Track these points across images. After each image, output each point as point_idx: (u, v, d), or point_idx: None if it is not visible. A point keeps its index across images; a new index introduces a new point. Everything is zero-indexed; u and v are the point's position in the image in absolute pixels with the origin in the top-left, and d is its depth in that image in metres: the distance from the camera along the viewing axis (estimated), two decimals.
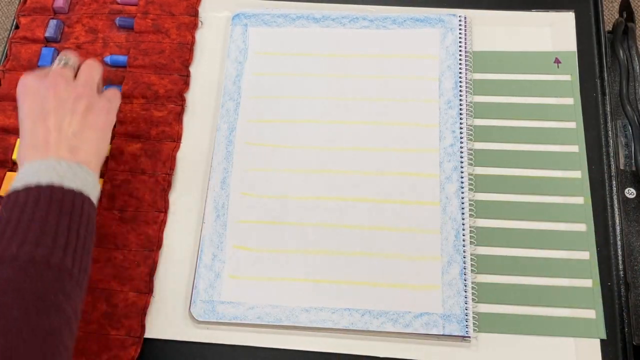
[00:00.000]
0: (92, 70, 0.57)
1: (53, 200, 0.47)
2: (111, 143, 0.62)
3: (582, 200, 0.60)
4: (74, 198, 0.48)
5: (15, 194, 0.48)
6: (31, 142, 0.51)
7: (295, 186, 0.61)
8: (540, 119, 0.63)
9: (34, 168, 0.49)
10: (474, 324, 0.55)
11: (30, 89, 0.53)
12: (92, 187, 0.51)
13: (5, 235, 0.45)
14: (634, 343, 0.55)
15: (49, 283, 0.44)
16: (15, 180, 0.49)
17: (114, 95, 0.58)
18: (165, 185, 0.61)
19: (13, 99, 0.65)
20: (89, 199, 0.50)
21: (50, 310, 0.43)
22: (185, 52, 0.67)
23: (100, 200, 0.61)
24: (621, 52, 0.67)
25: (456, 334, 0.55)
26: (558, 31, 0.67)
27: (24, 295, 0.42)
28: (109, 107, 0.56)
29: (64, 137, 0.51)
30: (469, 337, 0.55)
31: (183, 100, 0.65)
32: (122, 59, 0.66)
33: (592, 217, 0.59)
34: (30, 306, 0.42)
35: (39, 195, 0.47)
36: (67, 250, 0.46)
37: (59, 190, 0.48)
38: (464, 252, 0.58)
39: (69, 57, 0.57)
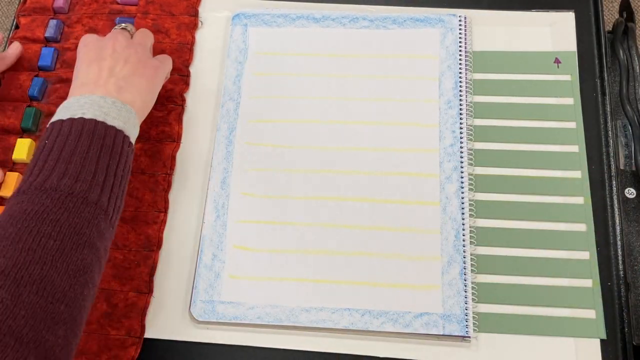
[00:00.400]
0: (146, 35, 0.61)
1: (95, 135, 0.48)
2: None
3: (582, 200, 0.60)
4: (115, 136, 0.50)
5: (60, 123, 0.49)
6: (82, 80, 0.53)
7: (295, 186, 0.61)
8: (540, 119, 0.63)
9: (79, 102, 0.51)
10: (474, 324, 0.55)
11: (90, 42, 0.57)
12: (132, 128, 0.52)
13: (47, 163, 0.46)
14: (634, 343, 0.55)
15: (85, 219, 0.45)
16: (59, 111, 0.50)
17: (166, 59, 0.61)
18: (165, 185, 0.61)
19: (13, 99, 0.65)
20: (128, 139, 0.51)
21: (85, 246, 0.44)
22: (185, 52, 0.67)
23: None
24: (621, 52, 0.67)
25: (456, 334, 0.55)
26: (558, 31, 0.67)
27: (61, 227, 0.43)
28: (158, 65, 0.59)
29: (114, 78, 0.53)
30: (469, 337, 0.55)
31: (183, 100, 0.65)
32: None
33: (592, 217, 0.59)
34: (66, 239, 0.43)
35: (82, 128, 0.48)
36: (104, 188, 0.47)
37: (101, 126, 0.49)
38: (464, 252, 0.58)
39: (127, 24, 0.62)
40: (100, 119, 0.49)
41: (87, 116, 0.49)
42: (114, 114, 0.50)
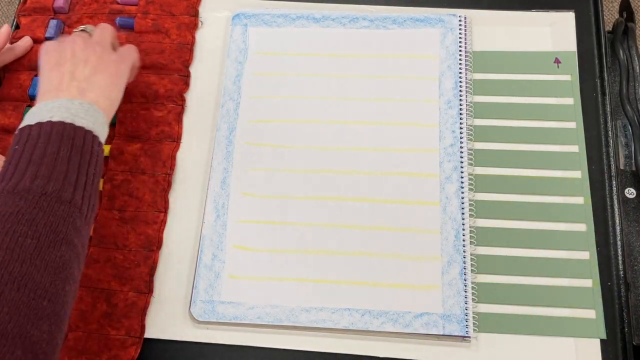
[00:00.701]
0: (105, 31, 0.60)
1: (65, 136, 0.49)
2: (111, 143, 0.63)
3: (582, 200, 0.60)
4: (85, 136, 0.50)
5: (28, 128, 0.49)
6: (46, 88, 0.53)
7: (295, 186, 0.61)
8: (540, 119, 0.63)
9: (47, 107, 0.51)
10: (474, 324, 0.55)
11: (51, 47, 0.57)
12: (101, 127, 0.52)
13: (18, 168, 0.47)
14: (634, 343, 0.55)
15: (60, 217, 0.46)
16: (27, 117, 0.51)
17: (128, 50, 0.61)
18: (165, 185, 0.61)
19: (13, 99, 0.65)
20: (97, 139, 0.51)
21: (62, 243, 0.45)
22: (185, 52, 0.67)
23: (100, 200, 0.61)
24: (621, 52, 0.67)
25: (456, 334, 0.55)
26: (558, 31, 0.67)
27: (37, 226, 0.44)
28: (121, 58, 0.59)
29: (76, 81, 0.54)
30: (469, 337, 0.55)
31: (183, 100, 0.65)
32: None
33: (592, 217, 0.59)
34: (43, 237, 0.44)
35: (51, 130, 0.49)
36: (77, 187, 0.48)
37: (70, 127, 0.49)
38: (464, 252, 0.58)
39: (86, 26, 0.62)
40: (68, 120, 0.50)
41: (55, 119, 0.49)
42: (81, 114, 0.51)
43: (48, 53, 0.56)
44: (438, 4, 0.69)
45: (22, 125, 0.50)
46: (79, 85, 0.53)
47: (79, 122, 0.50)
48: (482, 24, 0.68)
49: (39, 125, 0.49)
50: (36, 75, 0.66)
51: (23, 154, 0.48)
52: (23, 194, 0.45)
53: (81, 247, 0.47)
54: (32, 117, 0.50)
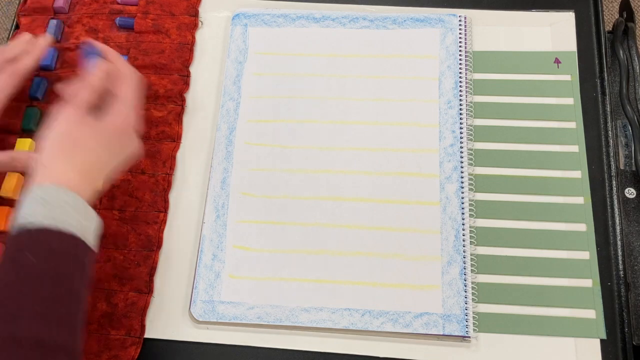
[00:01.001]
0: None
1: (78, 262, 0.43)
2: None
3: (582, 200, 0.60)
4: (89, 258, 0.45)
5: (46, 234, 0.42)
6: (81, 161, 0.48)
7: (295, 186, 0.61)
8: (540, 119, 0.63)
9: (60, 197, 0.44)
10: (473, 324, 0.55)
11: (127, 113, 0.52)
12: (94, 240, 0.47)
13: (28, 305, 0.40)
14: (634, 343, 0.55)
15: None
16: (35, 201, 0.43)
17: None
18: (165, 185, 0.61)
19: (14, 99, 0.65)
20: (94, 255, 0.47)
21: None
22: (186, 52, 0.67)
23: (100, 200, 0.61)
24: (621, 52, 0.67)
25: (456, 334, 0.55)
26: (558, 31, 0.67)
27: None
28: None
29: (102, 183, 0.50)
30: (469, 337, 0.55)
31: (183, 100, 0.65)
32: None
33: (592, 217, 0.59)
34: None
35: (72, 248, 0.43)
36: (77, 331, 0.43)
37: (83, 249, 0.44)
38: (464, 252, 0.58)
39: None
40: (79, 234, 0.44)
41: (75, 230, 0.43)
42: (90, 230, 0.46)
43: (122, 115, 0.50)
44: (438, 4, 0.69)
45: (28, 217, 0.42)
46: (99, 188, 0.50)
47: (88, 239, 0.44)
48: (482, 24, 0.68)
49: (60, 234, 0.42)
50: (37, 76, 0.66)
51: (31, 278, 0.41)
52: (35, 347, 0.39)
53: None
54: (42, 206, 0.43)
